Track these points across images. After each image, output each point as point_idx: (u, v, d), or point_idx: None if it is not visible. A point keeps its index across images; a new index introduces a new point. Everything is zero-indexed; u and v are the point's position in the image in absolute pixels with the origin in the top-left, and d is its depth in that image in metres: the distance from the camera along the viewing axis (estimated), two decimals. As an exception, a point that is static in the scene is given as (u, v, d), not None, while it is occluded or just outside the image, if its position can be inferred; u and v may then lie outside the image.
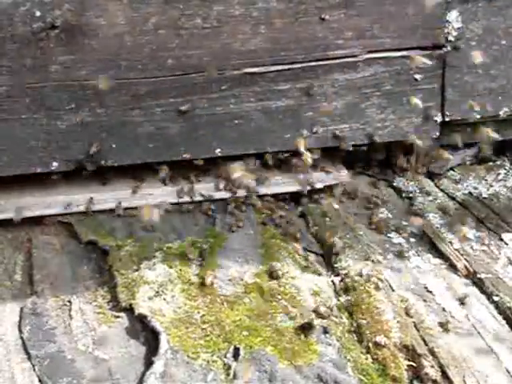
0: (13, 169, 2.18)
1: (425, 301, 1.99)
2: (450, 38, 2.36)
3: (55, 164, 2.21)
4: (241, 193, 2.33)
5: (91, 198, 2.26)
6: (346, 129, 2.38)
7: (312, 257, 2.17)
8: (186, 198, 2.32)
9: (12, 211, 2.20)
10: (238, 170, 2.20)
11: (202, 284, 1.98)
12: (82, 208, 2.25)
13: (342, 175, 2.44)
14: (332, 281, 2.07)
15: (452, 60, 2.39)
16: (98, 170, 2.25)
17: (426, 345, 1.83)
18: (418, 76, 2.38)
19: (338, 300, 1.99)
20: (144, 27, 2.15)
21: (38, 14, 2.05)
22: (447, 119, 2.45)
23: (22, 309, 1.93)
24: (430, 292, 2.02)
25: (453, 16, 2.35)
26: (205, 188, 2.35)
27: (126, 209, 2.28)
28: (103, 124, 2.21)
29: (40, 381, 1.72)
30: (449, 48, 2.37)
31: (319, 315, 1.90)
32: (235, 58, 2.22)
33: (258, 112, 2.29)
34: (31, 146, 2.18)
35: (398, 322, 1.89)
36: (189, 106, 2.24)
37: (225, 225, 2.24)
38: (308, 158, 2.26)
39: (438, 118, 2.43)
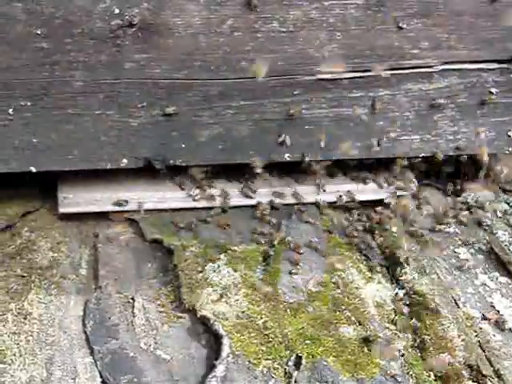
0: (83, 163, 2.20)
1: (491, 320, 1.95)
2: (530, 52, 2.31)
3: (125, 161, 2.22)
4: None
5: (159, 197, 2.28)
6: (416, 140, 2.35)
7: (377, 268, 2.14)
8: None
9: (81, 205, 2.23)
10: None
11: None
12: (148, 206, 2.26)
13: (410, 186, 2.40)
14: (396, 293, 2.04)
15: (529, 74, 2.34)
16: (166, 168, 2.26)
17: (492, 366, 1.80)
18: (493, 89, 2.33)
19: (402, 314, 1.97)
20: (220, 29, 2.14)
21: (116, 11, 2.06)
22: (521, 134, 2.40)
23: (86, 303, 1.95)
24: (497, 311, 1.98)
25: (534, 30, 2.30)
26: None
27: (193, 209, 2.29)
28: (174, 123, 2.22)
29: (101, 376, 1.73)
30: (527, 62, 2.32)
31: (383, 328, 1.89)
32: (309, 64, 2.20)
33: (329, 119, 2.28)
34: (102, 142, 2.19)
35: (462, 340, 1.86)
36: (259, 110, 2.24)
37: (290, 230, 2.23)
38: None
39: (512, 134, 2.39)
